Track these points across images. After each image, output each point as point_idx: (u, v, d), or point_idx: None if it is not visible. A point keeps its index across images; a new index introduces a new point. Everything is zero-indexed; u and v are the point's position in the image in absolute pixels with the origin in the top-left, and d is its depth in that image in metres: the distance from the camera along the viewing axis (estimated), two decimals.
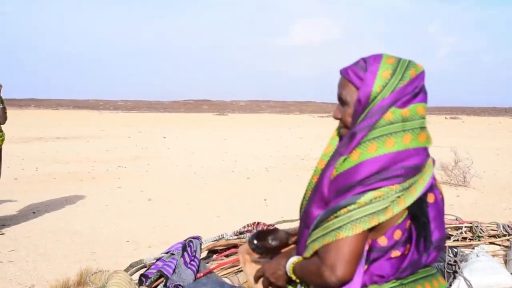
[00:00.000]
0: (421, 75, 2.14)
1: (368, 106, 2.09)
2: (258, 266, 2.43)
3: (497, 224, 7.06)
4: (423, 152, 2.10)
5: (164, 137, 30.77)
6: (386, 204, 1.99)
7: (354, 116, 2.13)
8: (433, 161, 2.20)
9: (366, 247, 2.06)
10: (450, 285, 6.16)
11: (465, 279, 6.07)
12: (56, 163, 18.16)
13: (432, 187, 2.16)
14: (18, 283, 6.52)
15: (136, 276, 5.46)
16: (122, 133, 33.73)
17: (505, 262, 6.56)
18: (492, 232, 7.01)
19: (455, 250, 6.40)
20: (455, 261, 6.26)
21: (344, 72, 2.17)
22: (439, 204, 2.19)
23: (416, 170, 2.06)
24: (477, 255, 6.38)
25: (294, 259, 2.23)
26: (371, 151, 2.03)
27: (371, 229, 2.02)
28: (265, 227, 5.95)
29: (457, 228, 7.07)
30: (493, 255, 6.66)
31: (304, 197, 2.29)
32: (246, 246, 2.57)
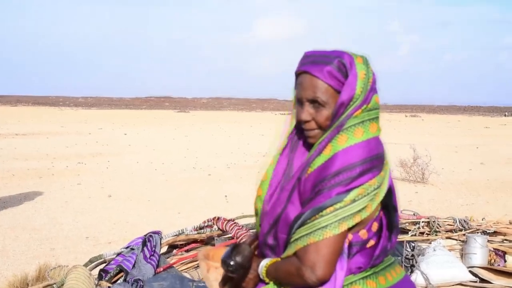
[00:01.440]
0: (373, 69, 2.23)
1: (349, 108, 2.13)
2: (222, 271, 2.32)
3: (454, 219, 7.18)
4: (381, 141, 2.18)
5: (125, 134, 30.55)
6: (368, 200, 2.04)
7: (333, 118, 2.15)
8: None
9: (347, 243, 2.09)
10: None
11: (422, 272, 6.17)
12: (14, 160, 17.91)
13: None
14: None
15: (96, 272, 5.45)
16: (83, 129, 33.40)
17: (461, 256, 6.67)
18: (449, 227, 7.13)
19: (413, 244, 6.50)
20: (412, 255, 6.36)
21: (318, 73, 2.14)
22: (395, 189, 2.25)
23: (384, 158, 2.13)
24: (434, 249, 6.49)
25: (266, 261, 2.21)
26: (342, 143, 2.06)
27: (354, 225, 2.06)
28: (225, 222, 5.97)
29: (414, 223, 7.17)
30: (450, 249, 6.77)
31: (259, 198, 2.31)
32: (206, 252, 2.50)
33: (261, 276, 2.22)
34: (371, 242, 2.15)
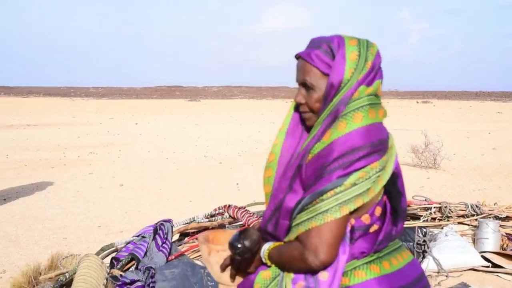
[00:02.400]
0: (378, 53, 2.20)
1: (341, 90, 2.11)
2: (224, 255, 2.34)
3: (466, 204, 7.16)
4: (384, 127, 2.16)
5: (136, 124, 30.63)
6: (370, 183, 2.03)
7: (325, 101, 2.15)
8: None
9: (349, 227, 2.08)
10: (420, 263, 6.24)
11: (434, 258, 6.15)
12: (27, 150, 18.00)
13: None
14: None
15: (107, 260, 5.47)
16: (94, 119, 33.51)
17: (473, 241, 6.65)
18: (461, 212, 7.10)
19: (424, 230, 6.48)
20: (424, 241, 6.34)
21: (307, 57, 2.18)
22: (401, 174, 2.24)
23: (387, 144, 2.11)
24: (446, 235, 6.47)
25: (269, 244, 2.22)
26: (341, 129, 2.05)
27: (356, 209, 2.05)
28: (236, 210, 5.98)
29: (426, 209, 7.15)
30: (462, 235, 6.75)
31: (267, 181, 2.32)
32: (206, 235, 2.50)
33: (263, 260, 2.23)
34: (375, 227, 2.13)
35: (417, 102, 66.21)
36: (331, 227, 2.00)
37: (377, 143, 2.05)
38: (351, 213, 2.05)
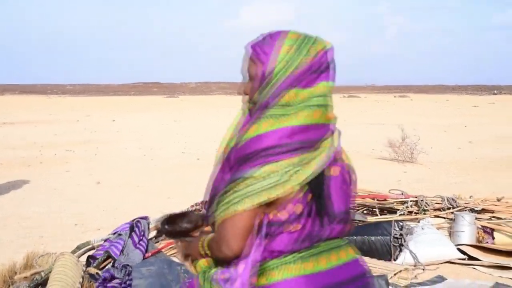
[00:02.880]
0: (328, 52, 2.17)
1: (271, 81, 2.12)
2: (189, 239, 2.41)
3: (442, 198, 7.21)
4: (320, 128, 2.12)
5: (114, 121, 30.47)
6: (283, 178, 2.01)
7: (259, 91, 2.15)
8: (339, 134, 2.23)
9: (266, 221, 2.07)
10: (396, 258, 6.28)
11: (410, 251, 6.20)
12: (2, 149, 17.81)
13: (337, 160, 2.19)
14: None
15: (84, 258, 5.44)
16: (71, 117, 33.27)
17: (450, 234, 6.71)
18: (437, 206, 7.16)
19: (401, 223, 6.51)
20: (401, 234, 6.37)
21: (250, 47, 2.19)
22: (344, 177, 2.21)
23: (313, 144, 2.08)
24: (422, 228, 6.52)
25: (211, 235, 2.24)
26: (266, 126, 2.06)
27: (271, 203, 2.04)
28: None
29: (403, 203, 7.20)
30: (438, 228, 6.80)
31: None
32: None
33: (201, 250, 2.26)
34: (296, 226, 2.09)
35: (394, 97, 66.53)
36: (240, 219, 2.02)
37: (295, 142, 2.04)
38: (268, 207, 2.05)
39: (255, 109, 2.16)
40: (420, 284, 5.66)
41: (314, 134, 2.09)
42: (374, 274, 5.17)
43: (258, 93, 2.15)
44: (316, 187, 2.11)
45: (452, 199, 7.17)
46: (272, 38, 2.16)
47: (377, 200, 7.42)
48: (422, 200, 7.06)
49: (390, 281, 5.30)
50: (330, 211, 2.15)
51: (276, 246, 2.08)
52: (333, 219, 2.15)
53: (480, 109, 40.89)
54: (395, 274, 5.73)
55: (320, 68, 2.13)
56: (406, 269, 5.92)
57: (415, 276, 5.90)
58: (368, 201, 7.42)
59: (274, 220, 2.07)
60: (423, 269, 6.08)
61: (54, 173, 13.16)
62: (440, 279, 5.79)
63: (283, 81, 2.10)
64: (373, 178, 11.33)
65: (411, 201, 7.15)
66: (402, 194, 7.48)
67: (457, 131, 23.30)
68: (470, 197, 7.64)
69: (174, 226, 2.43)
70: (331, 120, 2.16)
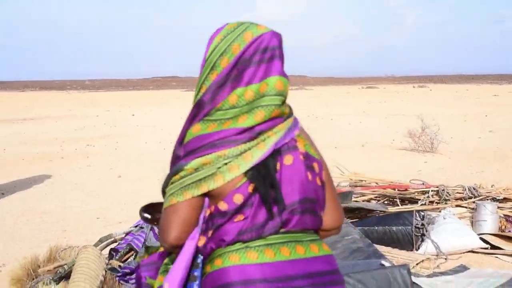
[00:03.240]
0: (261, 38, 2.10)
1: (204, 72, 2.12)
2: None
3: (463, 187, 7.18)
4: (268, 123, 2.07)
5: (133, 115, 30.58)
6: (214, 170, 2.00)
7: (198, 84, 2.15)
8: (296, 123, 2.15)
9: (207, 213, 2.07)
10: (418, 248, 6.26)
11: (432, 241, 6.17)
12: (24, 144, 17.97)
13: (291, 149, 2.10)
14: None
15: (106, 251, 5.48)
16: (90, 112, 33.44)
17: (472, 223, 6.67)
18: (458, 195, 7.12)
19: (423, 213, 6.49)
20: (422, 224, 6.35)
21: None
22: (298, 166, 2.11)
23: (251, 135, 2.04)
24: (444, 218, 6.49)
25: None
26: (210, 129, 2.05)
27: (213, 195, 2.04)
28: None
29: (424, 193, 7.18)
30: (460, 217, 6.77)
31: None
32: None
33: None
34: (240, 216, 2.04)
35: (414, 87, 66.18)
36: (175, 210, 2.04)
37: (231, 136, 2.03)
38: (213, 198, 2.05)
39: (202, 103, 2.12)
40: (442, 273, 5.64)
41: (260, 128, 2.05)
42: (396, 264, 5.16)
43: (198, 86, 2.14)
44: (262, 177, 2.04)
45: (474, 189, 7.13)
46: (214, 32, 2.14)
47: (398, 190, 7.40)
48: (443, 190, 7.03)
49: (412, 270, 5.28)
50: (279, 201, 2.05)
51: (221, 236, 2.05)
52: (282, 209, 2.05)
53: (500, 98, 40.54)
54: (417, 264, 5.71)
55: (256, 54, 2.07)
56: (428, 258, 5.90)
57: (438, 266, 5.87)
58: (389, 191, 7.41)
59: (215, 211, 2.05)
60: (445, 259, 6.06)
61: (75, 167, 13.24)
62: (463, 268, 5.76)
63: (214, 69, 2.09)
64: (394, 169, 11.30)
65: (432, 191, 7.12)
66: (423, 184, 7.45)
67: (477, 120, 23.11)
68: (492, 186, 7.60)
69: (154, 214, 2.46)
70: (284, 114, 2.10)
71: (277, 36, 2.11)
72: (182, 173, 2.04)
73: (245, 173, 2.03)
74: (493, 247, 6.29)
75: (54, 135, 20.59)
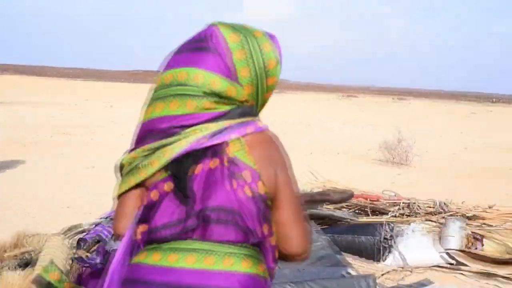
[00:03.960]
0: (211, 29, 2.06)
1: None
2: None
3: (434, 202, 7.24)
4: (178, 119, 2.00)
5: (111, 106, 30.46)
6: (139, 164, 2.01)
7: None
8: (227, 128, 1.99)
9: (139, 205, 2.04)
10: (385, 259, 6.31)
11: (399, 253, 6.22)
12: None
13: (218, 152, 1.97)
14: None
15: (74, 241, 5.44)
16: (69, 100, 33.22)
17: (439, 238, 6.73)
18: (429, 210, 7.18)
19: (392, 225, 6.54)
20: (391, 236, 6.40)
21: None
22: (219, 171, 1.95)
23: (175, 128, 1.99)
24: (413, 231, 6.54)
25: None
26: (152, 110, 2.07)
27: (145, 187, 2.02)
28: None
29: (395, 205, 7.23)
30: (429, 232, 6.82)
31: None
32: None
33: None
34: (153, 214, 1.98)
35: (393, 99, 66.55)
36: (119, 201, 2.08)
37: (154, 128, 2.03)
38: (145, 191, 2.02)
39: None
40: (407, 286, 5.68)
41: (184, 121, 1.99)
42: (362, 273, 5.20)
43: None
44: (179, 179, 1.96)
45: (444, 204, 7.19)
46: None
47: (370, 200, 7.44)
48: (414, 203, 7.09)
49: (377, 281, 5.33)
50: (189, 205, 1.93)
51: (141, 232, 2.01)
52: (195, 214, 1.92)
53: (477, 117, 40.92)
54: (382, 275, 5.76)
55: (197, 41, 2.04)
56: (394, 270, 5.95)
57: (402, 278, 5.92)
58: (361, 201, 7.45)
59: (142, 205, 2.01)
60: (410, 272, 6.11)
61: (49, 155, 13.15)
62: (427, 282, 5.81)
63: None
64: (367, 179, 11.37)
65: (403, 203, 7.17)
66: (395, 196, 7.51)
67: (453, 136, 23.33)
68: (462, 203, 7.67)
69: None
70: (206, 109, 1.99)
71: (219, 32, 2.02)
72: (124, 167, 2.08)
73: (166, 170, 1.97)
74: (459, 263, 6.35)
75: (31, 121, 20.44)
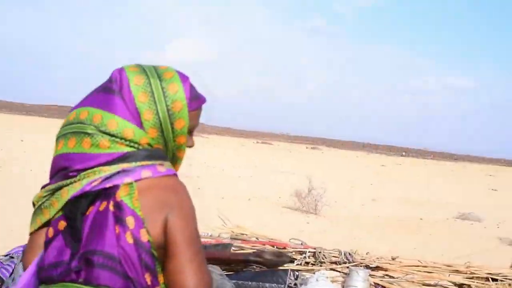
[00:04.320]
0: (118, 72, 2.07)
1: None
2: None
3: (339, 251, 7.32)
4: (88, 157, 1.98)
5: (22, 140, 29.71)
6: (42, 205, 2.00)
7: None
8: (122, 172, 1.95)
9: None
10: None
11: None
12: None
13: (107, 195, 1.93)
14: None
15: None
16: None
17: None
18: (334, 259, 7.25)
19: (297, 273, 6.58)
20: (295, 284, 6.43)
21: None
22: (105, 215, 1.91)
23: (74, 172, 1.98)
24: (317, 280, 6.59)
25: None
26: (56, 148, 2.06)
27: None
28: None
29: (301, 253, 7.28)
30: (333, 281, 6.88)
31: None
32: None
33: None
34: (45, 252, 1.95)
35: (306, 148, 67.56)
36: (29, 238, 2.05)
37: (57, 168, 2.03)
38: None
39: None
40: None
41: (74, 163, 1.98)
42: None
43: None
44: (68, 217, 1.94)
45: (349, 254, 7.28)
46: None
47: (277, 247, 7.48)
48: (320, 252, 7.15)
49: None
50: (74, 246, 1.90)
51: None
52: (78, 256, 1.88)
53: (387, 169, 41.97)
54: None
55: (106, 83, 2.06)
56: None
57: None
58: (268, 248, 7.47)
59: (45, 240, 1.98)
60: None
61: None
62: None
63: None
64: (277, 226, 11.46)
65: (309, 252, 7.22)
66: (302, 244, 7.56)
67: (363, 188, 23.82)
68: (367, 253, 7.78)
69: None
70: (101, 149, 1.96)
71: (122, 73, 2.04)
72: (35, 204, 2.04)
73: (62, 209, 1.95)
74: None
75: None
